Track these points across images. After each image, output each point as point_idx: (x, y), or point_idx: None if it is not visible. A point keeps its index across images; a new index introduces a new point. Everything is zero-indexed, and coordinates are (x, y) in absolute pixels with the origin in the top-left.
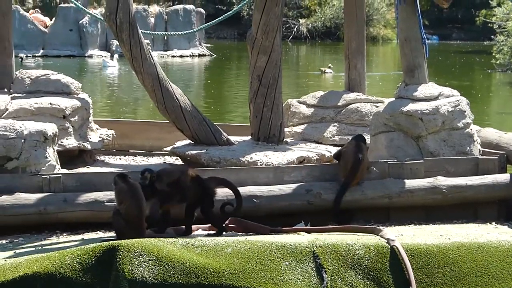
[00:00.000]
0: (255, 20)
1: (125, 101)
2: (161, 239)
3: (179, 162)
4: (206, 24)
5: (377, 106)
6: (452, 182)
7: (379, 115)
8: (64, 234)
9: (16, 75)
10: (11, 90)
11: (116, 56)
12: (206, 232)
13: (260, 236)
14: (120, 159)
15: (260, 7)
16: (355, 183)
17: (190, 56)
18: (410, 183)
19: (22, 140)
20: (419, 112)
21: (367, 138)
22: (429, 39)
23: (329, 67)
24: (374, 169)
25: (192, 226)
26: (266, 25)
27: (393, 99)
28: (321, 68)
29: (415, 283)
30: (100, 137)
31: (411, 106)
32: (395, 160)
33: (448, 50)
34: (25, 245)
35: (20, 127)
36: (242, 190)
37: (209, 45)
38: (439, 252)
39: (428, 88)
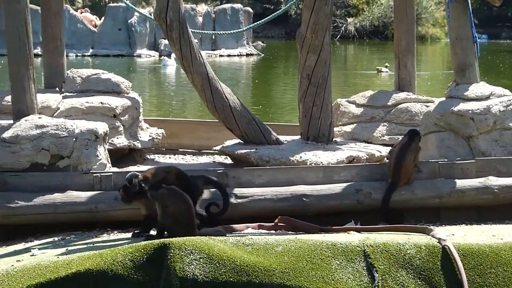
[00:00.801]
0: (304, 18)
1: (174, 100)
2: (212, 237)
3: (228, 161)
4: (254, 24)
5: (427, 106)
6: (503, 182)
7: (429, 115)
8: (115, 232)
9: (68, 74)
10: (62, 89)
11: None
12: (255, 231)
13: (310, 235)
14: (169, 158)
15: (309, 6)
16: (403, 183)
17: (237, 55)
18: (461, 183)
19: (74, 139)
20: (470, 112)
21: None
22: (479, 38)
23: (386, 66)
24: (420, 169)
25: (241, 225)
26: (316, 24)
27: (443, 98)
28: (377, 67)
29: (467, 283)
30: (150, 136)
31: (462, 106)
32: (446, 160)
33: (498, 49)
34: (77, 243)
35: (72, 126)
36: (292, 189)
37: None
38: (492, 252)
39: (479, 88)
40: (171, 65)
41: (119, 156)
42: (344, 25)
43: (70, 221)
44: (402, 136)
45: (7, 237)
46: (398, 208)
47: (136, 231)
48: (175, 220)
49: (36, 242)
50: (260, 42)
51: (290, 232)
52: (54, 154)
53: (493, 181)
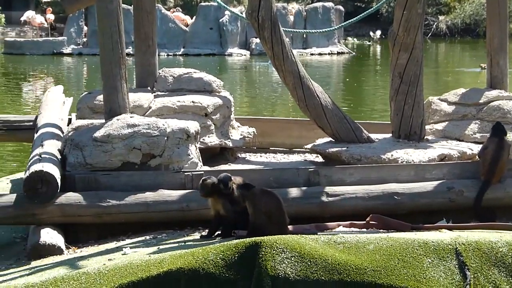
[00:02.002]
0: (396, 17)
1: (266, 99)
2: (303, 235)
3: (320, 159)
4: (345, 22)
5: None
6: None
7: None
8: (206, 231)
9: (159, 73)
10: (154, 89)
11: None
12: (347, 229)
13: (402, 233)
14: (260, 156)
15: (402, 4)
16: (495, 180)
17: (329, 54)
18: None
19: (165, 138)
20: None
21: (510, 135)
22: None
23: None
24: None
25: (333, 223)
26: (408, 21)
27: None
28: (481, 64)
29: None
30: (241, 134)
31: None
32: None
33: None
34: (168, 241)
35: (163, 125)
36: (383, 187)
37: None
38: None
39: None
40: None
41: (210, 155)
42: (435, 23)
43: (161, 220)
44: (491, 131)
45: (99, 236)
46: (490, 206)
47: (203, 234)
48: (268, 218)
49: (128, 241)
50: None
51: (381, 230)
52: (146, 153)
53: None
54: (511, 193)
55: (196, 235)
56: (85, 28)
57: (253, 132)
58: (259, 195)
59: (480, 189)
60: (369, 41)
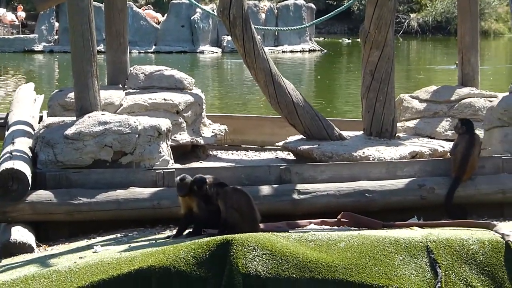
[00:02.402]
0: (368, 14)
1: (237, 96)
2: (274, 233)
3: (291, 157)
4: (317, 20)
5: (490, 101)
6: None
7: (493, 110)
8: (175, 231)
9: (131, 71)
10: (125, 86)
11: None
12: (318, 227)
13: (373, 231)
14: (232, 154)
15: (373, 1)
16: (466, 178)
17: (300, 51)
18: None
19: (137, 135)
20: None
21: (481, 132)
22: None
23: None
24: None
25: (304, 221)
26: (379, 19)
27: (507, 93)
28: (456, 62)
29: None
30: (212, 132)
31: None
32: (510, 155)
33: None
34: (140, 239)
35: (135, 122)
36: (355, 185)
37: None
38: None
39: None
40: None
41: (182, 153)
42: (407, 21)
43: (132, 217)
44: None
45: (70, 234)
46: (461, 204)
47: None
48: (239, 216)
49: (99, 239)
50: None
51: (353, 228)
52: (117, 151)
53: None
54: (482, 191)
55: (168, 233)
56: (56, 25)
57: (225, 129)
58: (230, 193)
59: (451, 187)
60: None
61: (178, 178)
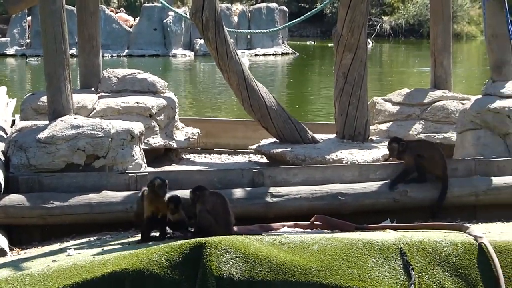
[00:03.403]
0: (340, 17)
1: (210, 99)
2: (248, 236)
3: (264, 160)
4: (289, 23)
5: (463, 104)
6: None
7: (465, 112)
8: (137, 236)
9: (103, 74)
10: (98, 89)
11: (246, 53)
12: (291, 229)
13: (346, 234)
14: (205, 157)
15: (346, 4)
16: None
17: (273, 54)
18: (497, 180)
19: (109, 139)
20: (506, 109)
21: (453, 135)
22: None
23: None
24: None
25: (277, 224)
26: (352, 22)
27: (480, 96)
28: None
29: (504, 280)
30: (185, 135)
31: (499, 103)
32: (482, 157)
33: None
34: (113, 242)
35: (107, 126)
36: (328, 188)
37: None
38: None
39: None
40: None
41: (155, 156)
42: (379, 24)
43: (105, 221)
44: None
45: (43, 237)
46: (429, 206)
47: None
48: (214, 219)
49: (72, 242)
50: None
51: (326, 230)
52: (90, 154)
53: None
54: (455, 193)
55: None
56: (29, 29)
57: (198, 133)
58: (207, 196)
59: (444, 190)
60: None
61: (159, 179)
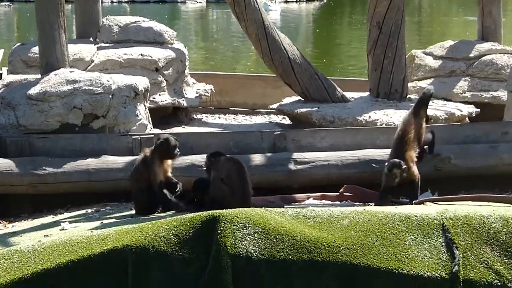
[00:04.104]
0: None
1: (225, 52)
2: (268, 208)
3: (287, 121)
4: None
5: None
6: None
7: None
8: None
9: (103, 22)
10: (97, 40)
11: None
12: (318, 201)
13: (381, 207)
14: (219, 117)
15: None
16: None
17: (296, 1)
18: None
19: (110, 96)
20: None
21: (504, 94)
22: None
23: None
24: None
25: (302, 195)
26: None
27: None
28: None
29: None
30: (197, 92)
31: None
32: None
33: None
34: (113, 215)
35: (108, 81)
36: (359, 153)
37: None
38: None
39: None
40: (274, 10)
41: (162, 116)
42: None
43: (105, 190)
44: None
45: (34, 209)
46: (480, 175)
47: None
48: (229, 189)
49: (67, 215)
50: None
51: (357, 203)
52: (88, 114)
53: None
54: (505, 160)
55: None
56: None
57: (211, 89)
58: (222, 163)
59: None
60: None
61: (173, 137)
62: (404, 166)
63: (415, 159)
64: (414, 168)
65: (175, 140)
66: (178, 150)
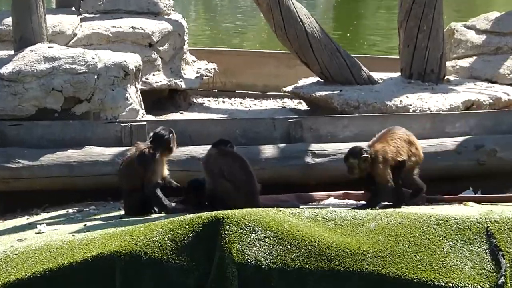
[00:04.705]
0: None
1: (231, 25)
2: (281, 209)
3: (303, 106)
4: None
5: None
6: None
7: None
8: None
9: None
10: (80, 9)
11: None
12: (340, 201)
13: (414, 207)
14: (223, 102)
15: None
16: None
17: None
18: None
19: (95, 76)
20: None
21: None
22: None
23: None
24: None
25: (321, 193)
26: None
27: None
28: None
29: None
30: (197, 72)
31: None
32: None
33: None
34: (99, 216)
35: (93, 58)
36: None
37: None
38: None
39: None
40: None
41: (156, 100)
42: None
43: (89, 187)
44: None
45: (6, 208)
46: None
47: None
48: (233, 185)
49: (44, 215)
50: None
51: (386, 202)
52: (69, 97)
53: None
54: None
55: None
56: None
57: (214, 69)
58: (224, 155)
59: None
60: None
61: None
62: (365, 156)
63: (390, 158)
64: (382, 168)
65: (170, 132)
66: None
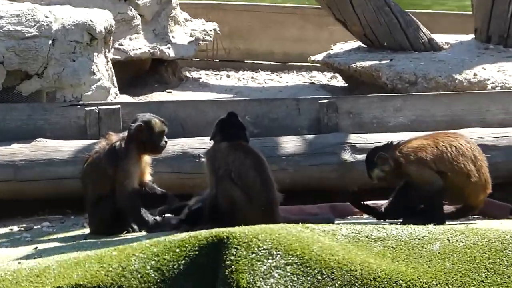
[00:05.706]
0: None
1: None
2: (309, 225)
3: (339, 82)
4: None
5: None
6: None
7: None
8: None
9: None
10: None
11: None
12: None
13: (493, 221)
14: (228, 77)
15: None
16: None
17: None
18: None
19: (50, 42)
20: None
21: None
22: None
23: None
24: None
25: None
26: None
27: None
28: None
29: None
30: (191, 35)
31: None
32: None
33: None
34: (55, 236)
35: (46, 17)
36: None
37: None
38: None
39: None
40: None
41: (135, 73)
42: None
43: (42, 195)
44: None
45: None
46: None
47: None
48: (244, 194)
49: None
50: None
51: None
52: (13, 70)
53: None
54: None
55: None
56: None
57: (214, 30)
58: (224, 151)
59: None
60: None
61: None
62: (381, 154)
63: (429, 160)
64: (417, 168)
65: (162, 123)
66: (166, 139)
